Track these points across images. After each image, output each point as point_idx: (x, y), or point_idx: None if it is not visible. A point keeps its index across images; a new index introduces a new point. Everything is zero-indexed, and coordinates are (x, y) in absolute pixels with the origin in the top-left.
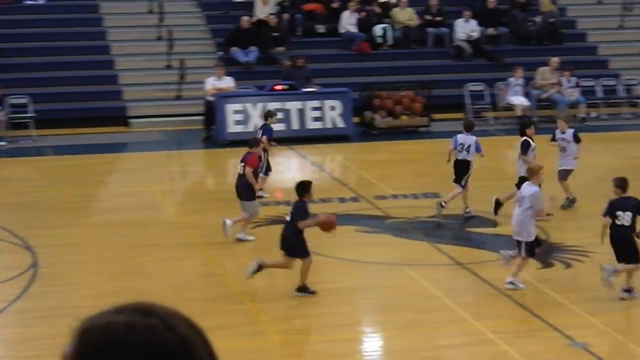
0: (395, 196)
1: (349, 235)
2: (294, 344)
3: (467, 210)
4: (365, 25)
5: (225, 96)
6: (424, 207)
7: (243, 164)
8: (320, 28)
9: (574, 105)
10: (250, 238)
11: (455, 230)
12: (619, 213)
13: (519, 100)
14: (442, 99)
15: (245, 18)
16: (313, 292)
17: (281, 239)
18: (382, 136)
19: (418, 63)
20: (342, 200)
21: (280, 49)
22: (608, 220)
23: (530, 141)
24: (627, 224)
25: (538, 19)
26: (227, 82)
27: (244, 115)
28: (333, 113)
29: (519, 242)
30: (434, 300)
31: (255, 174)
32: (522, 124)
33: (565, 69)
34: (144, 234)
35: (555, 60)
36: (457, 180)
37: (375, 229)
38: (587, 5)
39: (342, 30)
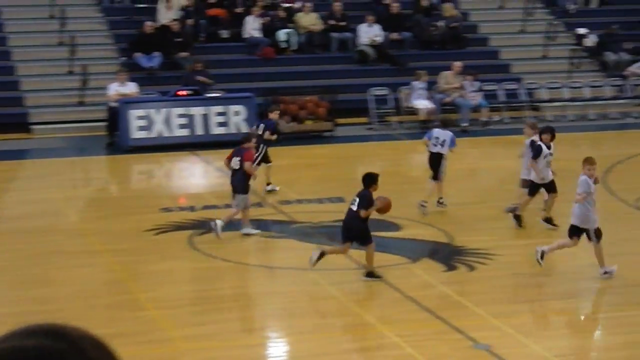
0: (300, 201)
1: (254, 241)
2: (200, 350)
3: (441, 200)
4: (269, 30)
5: (128, 102)
6: (329, 212)
7: (239, 159)
8: (224, 33)
9: (476, 109)
10: (255, 232)
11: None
12: None
13: (422, 105)
14: (346, 104)
15: (149, 23)
16: (380, 277)
17: (346, 227)
18: (286, 141)
19: (322, 68)
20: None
21: (184, 54)
22: None
23: (544, 147)
24: None
25: (441, 23)
26: (131, 88)
27: (147, 121)
28: (237, 118)
29: (586, 232)
30: (339, 305)
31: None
32: (542, 130)
33: (467, 73)
34: (48, 241)
35: (457, 64)
36: (434, 174)
37: (280, 234)
38: (489, 10)
39: (246, 35)
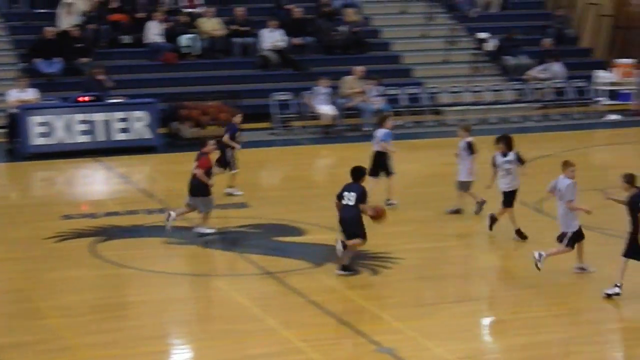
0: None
1: (157, 247)
2: (103, 358)
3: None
4: (171, 36)
5: (28, 108)
6: (233, 218)
7: (197, 163)
8: (126, 38)
9: (379, 113)
10: (209, 230)
11: (263, 239)
12: None
13: (325, 109)
14: (249, 109)
15: (49, 29)
16: (356, 271)
17: (344, 222)
18: (189, 147)
19: (225, 73)
20: (149, 211)
21: (85, 60)
22: None
23: (499, 156)
24: None
25: (343, 28)
26: (31, 94)
27: (48, 128)
28: (139, 124)
29: (563, 234)
30: (243, 310)
31: (209, 173)
32: (496, 139)
33: (370, 77)
34: None
35: (359, 69)
36: (374, 173)
37: (183, 240)
38: (391, 15)
39: (147, 41)
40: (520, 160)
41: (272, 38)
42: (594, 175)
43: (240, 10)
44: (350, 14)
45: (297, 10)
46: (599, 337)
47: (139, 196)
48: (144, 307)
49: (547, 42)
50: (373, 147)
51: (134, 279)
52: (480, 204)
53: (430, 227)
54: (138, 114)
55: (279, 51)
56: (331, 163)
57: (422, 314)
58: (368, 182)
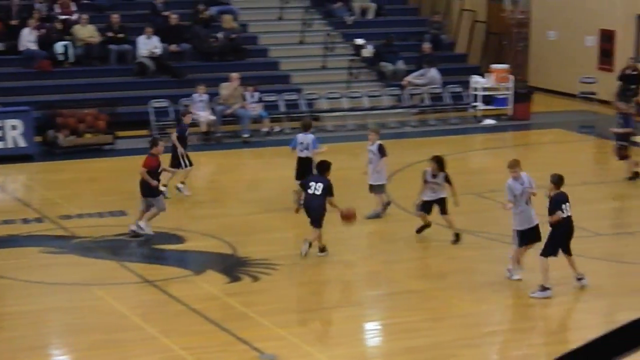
0: (80, 215)
1: (34, 257)
2: None
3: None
4: (45, 43)
5: None
6: (111, 226)
7: (142, 163)
8: None
9: (257, 120)
10: (148, 231)
11: (143, 248)
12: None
13: (203, 116)
14: (127, 116)
15: None
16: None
17: (312, 210)
18: (65, 155)
19: (101, 80)
20: (25, 221)
21: None
22: (560, 214)
23: (428, 174)
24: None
25: (220, 35)
26: None
27: None
28: (14, 132)
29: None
30: (123, 319)
31: (154, 174)
32: (430, 158)
33: (248, 84)
34: None
35: (235, 75)
36: (303, 177)
37: (61, 250)
38: (268, 21)
39: (21, 48)
40: (448, 182)
41: (148, 45)
42: (471, 180)
43: (115, 17)
44: (228, 21)
45: (173, 17)
46: (478, 340)
47: (14, 205)
48: (21, 318)
49: (424, 48)
50: (298, 153)
51: (11, 289)
52: (386, 205)
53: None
54: (12, 122)
55: (155, 58)
56: (210, 170)
57: (303, 320)
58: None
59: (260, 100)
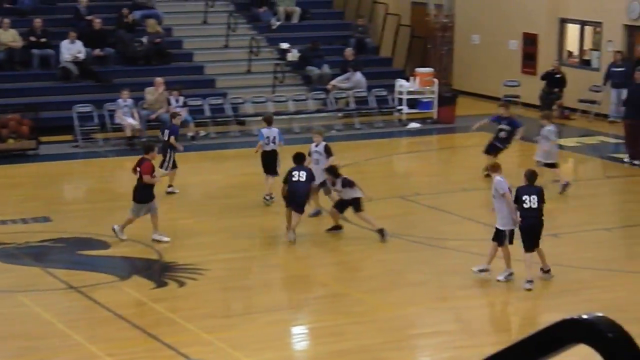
0: (3, 222)
1: None
2: None
3: (269, 196)
4: None
5: None
6: (35, 232)
7: (139, 169)
8: None
9: (182, 124)
10: (166, 239)
11: (67, 254)
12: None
13: (128, 121)
14: (51, 121)
15: None
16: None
17: (297, 195)
18: None
19: (24, 85)
20: None
21: None
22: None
23: None
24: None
25: (145, 39)
26: None
27: None
28: None
29: (502, 232)
30: (48, 326)
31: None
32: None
33: (173, 88)
34: None
35: (160, 80)
36: (270, 170)
37: None
38: (193, 25)
39: None
40: (348, 185)
41: (72, 49)
42: (396, 183)
43: (37, 22)
44: (152, 25)
45: (97, 21)
46: (405, 343)
47: None
48: None
49: (349, 52)
50: (264, 147)
51: None
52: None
53: (236, 237)
54: None
55: (79, 63)
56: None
57: (230, 325)
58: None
59: (185, 105)
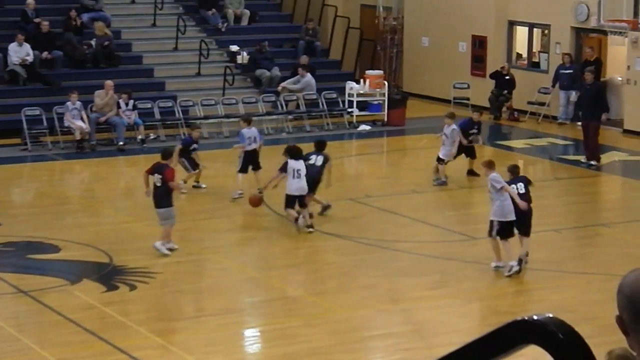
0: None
1: None
2: None
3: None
4: None
5: None
6: None
7: (160, 176)
8: None
9: (132, 127)
10: (174, 247)
11: (16, 257)
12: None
13: (77, 124)
14: None
15: None
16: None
17: (313, 179)
18: None
19: None
20: None
21: None
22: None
23: None
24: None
25: (93, 42)
26: None
27: None
28: None
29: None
30: None
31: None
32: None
33: (122, 91)
34: None
35: (109, 83)
36: (256, 167)
37: None
38: (141, 28)
39: None
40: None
41: (20, 52)
42: (347, 186)
43: None
44: (100, 28)
45: (44, 24)
46: (356, 345)
47: None
48: None
49: (304, 58)
50: (247, 147)
51: None
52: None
53: (187, 240)
54: None
55: (27, 66)
56: (84, 178)
57: (182, 328)
58: (238, 178)
59: (135, 108)
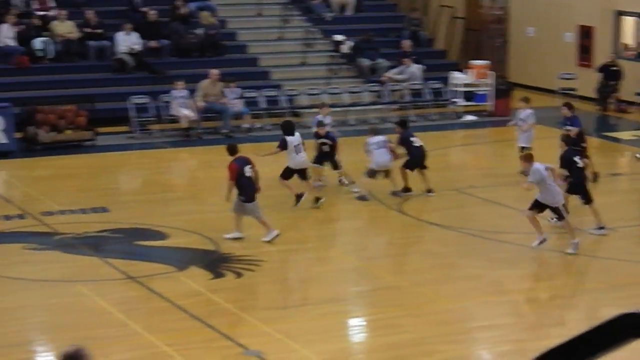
0: (62, 212)
1: (16, 253)
2: None
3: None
4: (24, 39)
5: None
6: (93, 222)
7: (250, 166)
8: None
9: (238, 116)
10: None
11: (125, 244)
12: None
13: (183, 112)
14: (107, 113)
15: None
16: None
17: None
18: (46, 151)
19: (80, 76)
20: (7, 217)
21: None
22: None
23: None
24: None
25: (199, 31)
26: None
27: None
28: None
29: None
30: (106, 315)
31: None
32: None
33: (228, 80)
34: None
35: (215, 72)
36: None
37: (43, 246)
38: (247, 17)
39: (0, 45)
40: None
41: (127, 41)
42: (451, 176)
43: (91, 13)
44: (206, 17)
45: (152, 13)
46: (461, 336)
47: None
48: (3, 314)
49: (403, 44)
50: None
51: None
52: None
53: (292, 229)
54: None
55: (134, 54)
56: (191, 166)
57: (287, 316)
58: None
59: (240, 97)
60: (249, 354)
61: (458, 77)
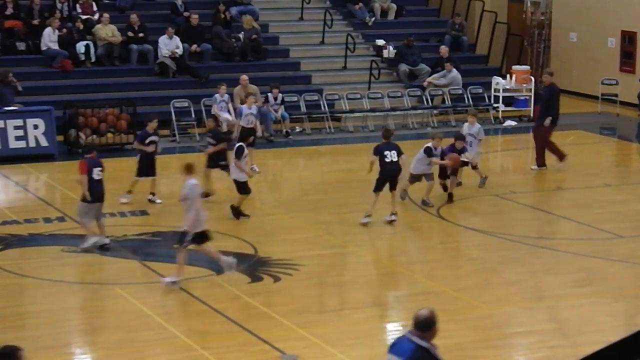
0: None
1: (56, 256)
2: None
3: None
4: (67, 42)
5: None
6: (132, 225)
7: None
8: (21, 45)
9: (279, 120)
10: None
11: (163, 247)
12: None
13: (225, 116)
14: (148, 116)
15: None
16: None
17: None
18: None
19: (122, 80)
20: (47, 220)
21: None
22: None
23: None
24: None
25: (241, 35)
26: None
27: None
28: (36, 132)
29: None
30: (144, 319)
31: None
32: None
33: (272, 85)
34: None
35: (245, 77)
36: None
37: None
38: (289, 22)
39: (43, 48)
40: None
41: (169, 45)
42: (491, 181)
43: (134, 17)
44: (248, 21)
45: (194, 17)
46: (500, 341)
47: (37, 204)
48: (43, 317)
49: (444, 49)
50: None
51: (32, 288)
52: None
53: (331, 233)
54: (34, 121)
55: (176, 58)
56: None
57: (325, 320)
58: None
59: (283, 102)
60: (286, 358)
61: (499, 82)
